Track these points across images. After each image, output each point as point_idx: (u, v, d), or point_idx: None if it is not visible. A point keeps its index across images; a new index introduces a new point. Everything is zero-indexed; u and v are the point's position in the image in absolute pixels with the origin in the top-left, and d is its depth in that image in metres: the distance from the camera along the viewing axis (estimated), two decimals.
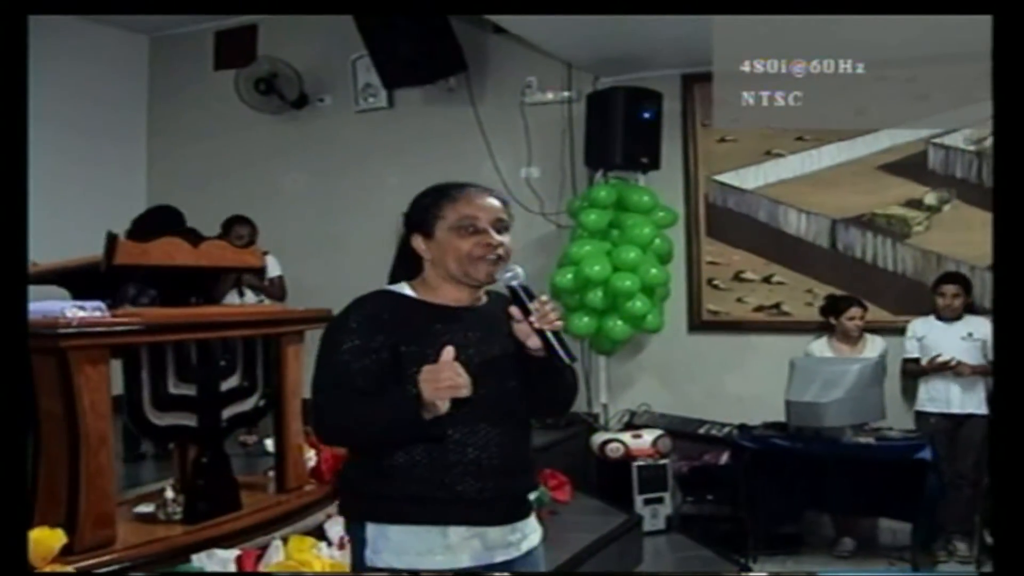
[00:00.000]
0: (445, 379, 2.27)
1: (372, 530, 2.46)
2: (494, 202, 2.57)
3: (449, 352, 2.31)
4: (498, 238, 2.52)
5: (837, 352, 6.62)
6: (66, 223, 6.82)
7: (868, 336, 6.68)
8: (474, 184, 2.63)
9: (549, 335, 2.43)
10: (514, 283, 2.47)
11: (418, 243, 2.55)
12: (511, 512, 2.56)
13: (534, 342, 2.44)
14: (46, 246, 5.76)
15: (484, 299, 2.62)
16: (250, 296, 7.26)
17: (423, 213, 2.55)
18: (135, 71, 9.67)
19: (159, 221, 6.15)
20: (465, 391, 2.29)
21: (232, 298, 7.02)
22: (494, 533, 2.50)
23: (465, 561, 2.45)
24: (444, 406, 2.29)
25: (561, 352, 2.44)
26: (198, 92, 9.44)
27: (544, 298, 2.47)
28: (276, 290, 7.51)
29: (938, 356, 6.30)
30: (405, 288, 2.56)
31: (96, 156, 8.99)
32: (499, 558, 2.51)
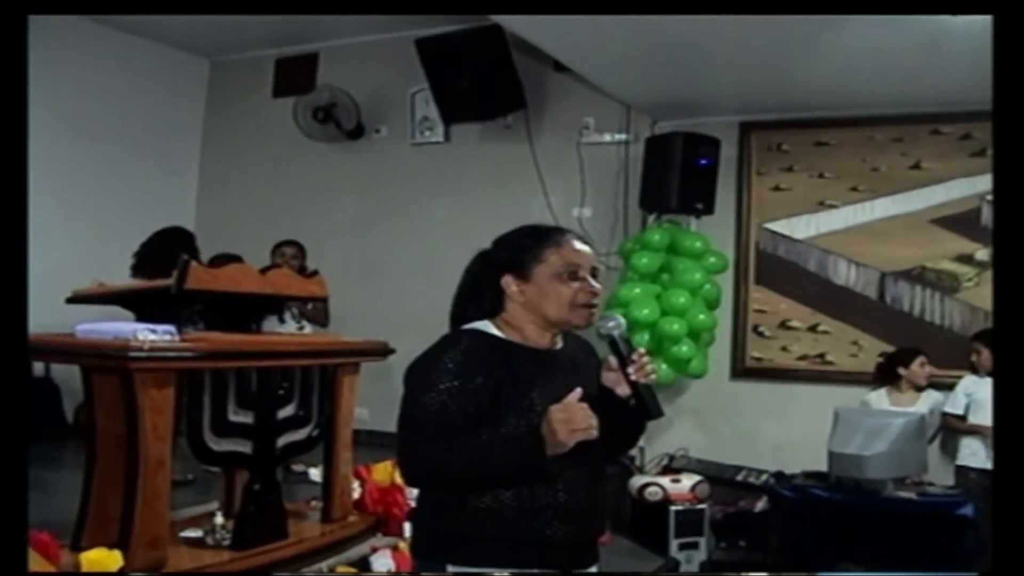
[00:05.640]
0: (581, 420, 2.26)
1: (453, 572, 2.43)
2: (590, 250, 2.58)
3: (577, 393, 2.30)
4: (598, 285, 2.54)
5: (895, 403, 6.61)
6: (115, 239, 6.90)
7: (927, 388, 6.71)
8: (570, 230, 2.64)
9: (642, 387, 2.45)
10: (615, 332, 2.48)
11: (509, 284, 2.53)
12: (589, 556, 2.57)
13: (623, 390, 2.46)
14: (94, 263, 5.89)
15: (560, 341, 2.60)
16: (290, 321, 7.19)
17: (520, 254, 2.54)
18: (194, 93, 9.80)
19: (168, 245, 6.12)
20: (594, 432, 2.29)
21: (272, 324, 6.81)
22: None
23: None
24: (570, 446, 2.28)
25: (651, 405, 2.46)
26: (255, 117, 9.54)
27: (641, 350, 2.48)
28: (319, 314, 7.34)
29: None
30: (491, 328, 2.53)
31: (149, 174, 9.12)
32: None
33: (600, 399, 2.46)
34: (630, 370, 2.44)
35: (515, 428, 2.37)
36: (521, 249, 2.55)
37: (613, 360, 2.48)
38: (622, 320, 2.51)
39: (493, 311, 2.57)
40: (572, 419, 2.26)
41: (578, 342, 2.68)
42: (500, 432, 2.38)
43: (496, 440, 2.37)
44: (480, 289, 2.59)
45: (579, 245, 2.56)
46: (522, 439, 2.33)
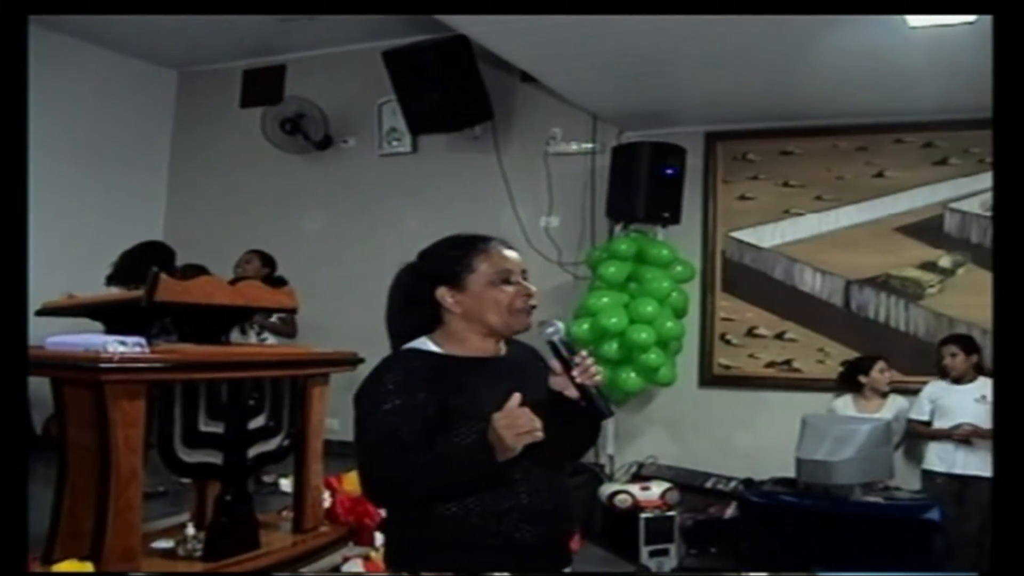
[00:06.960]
0: (524, 424, 2.29)
1: None
2: (517, 254, 2.60)
3: (516, 398, 2.32)
4: (532, 287, 2.56)
5: (861, 409, 6.67)
6: (84, 250, 6.87)
7: (891, 394, 6.76)
8: (494, 236, 2.65)
9: (590, 388, 2.46)
10: (555, 338, 2.49)
11: (444, 296, 2.54)
12: (561, 558, 2.58)
13: (572, 392, 2.47)
14: (62, 274, 5.86)
15: (504, 348, 2.62)
16: (250, 333, 7.18)
17: (451, 265, 2.54)
18: (162, 105, 9.78)
19: (148, 257, 6.11)
20: (539, 435, 2.31)
21: (233, 335, 6.83)
22: None
23: None
24: (518, 450, 2.30)
25: (601, 405, 2.47)
26: (222, 128, 9.54)
27: (584, 353, 2.49)
28: (287, 326, 7.43)
29: (964, 425, 6.32)
30: (429, 344, 2.55)
31: (117, 184, 9.09)
32: None
33: (551, 403, 2.48)
34: (575, 373, 2.46)
35: (466, 437, 2.39)
36: (451, 260, 2.55)
37: (557, 365, 2.49)
38: (560, 325, 2.53)
39: (430, 325, 2.59)
40: (515, 424, 2.29)
41: (522, 348, 2.69)
42: (452, 443, 2.40)
43: (448, 453, 2.40)
44: (414, 303, 2.61)
45: (506, 251, 2.58)
46: (471, 449, 2.36)
